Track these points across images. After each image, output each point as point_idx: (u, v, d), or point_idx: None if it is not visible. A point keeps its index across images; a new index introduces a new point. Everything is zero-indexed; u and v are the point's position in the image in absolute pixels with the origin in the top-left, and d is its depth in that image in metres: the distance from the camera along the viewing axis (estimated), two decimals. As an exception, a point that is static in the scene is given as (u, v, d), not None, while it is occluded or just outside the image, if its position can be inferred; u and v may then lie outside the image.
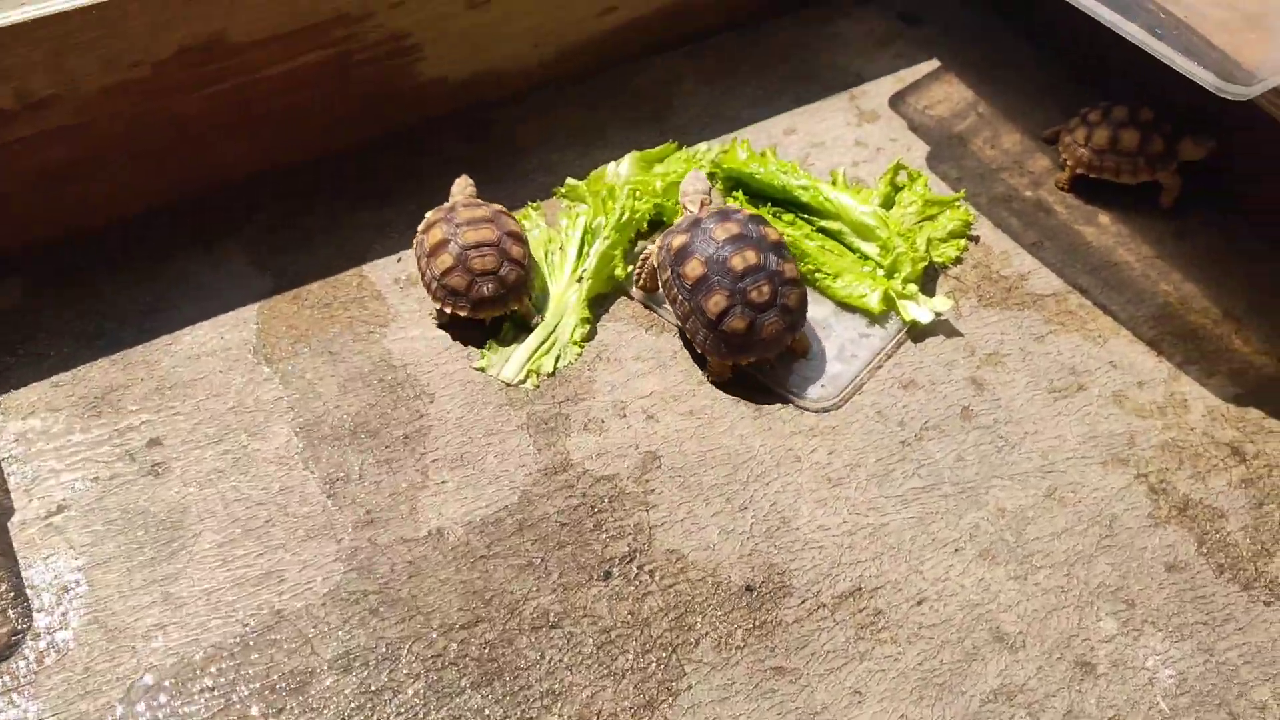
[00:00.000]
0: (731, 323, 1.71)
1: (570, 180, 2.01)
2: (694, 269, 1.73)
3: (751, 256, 1.73)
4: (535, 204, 1.99)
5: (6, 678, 1.44)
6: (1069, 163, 2.02)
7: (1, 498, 1.60)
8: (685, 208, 1.87)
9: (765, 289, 1.71)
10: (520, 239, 1.82)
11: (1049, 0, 1.70)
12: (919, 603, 1.55)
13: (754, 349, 1.73)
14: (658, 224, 1.96)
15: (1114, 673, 1.49)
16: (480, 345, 1.80)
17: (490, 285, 1.76)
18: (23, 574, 1.53)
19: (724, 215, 1.79)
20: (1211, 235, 1.99)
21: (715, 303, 1.71)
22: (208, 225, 1.95)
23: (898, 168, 2.02)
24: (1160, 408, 1.76)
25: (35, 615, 1.49)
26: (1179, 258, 1.96)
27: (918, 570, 1.58)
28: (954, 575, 1.58)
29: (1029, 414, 1.75)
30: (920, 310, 1.84)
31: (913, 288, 1.86)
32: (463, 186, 1.91)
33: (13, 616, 1.49)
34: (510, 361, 1.78)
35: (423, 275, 1.81)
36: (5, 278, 1.86)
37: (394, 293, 1.87)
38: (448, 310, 1.78)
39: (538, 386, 1.76)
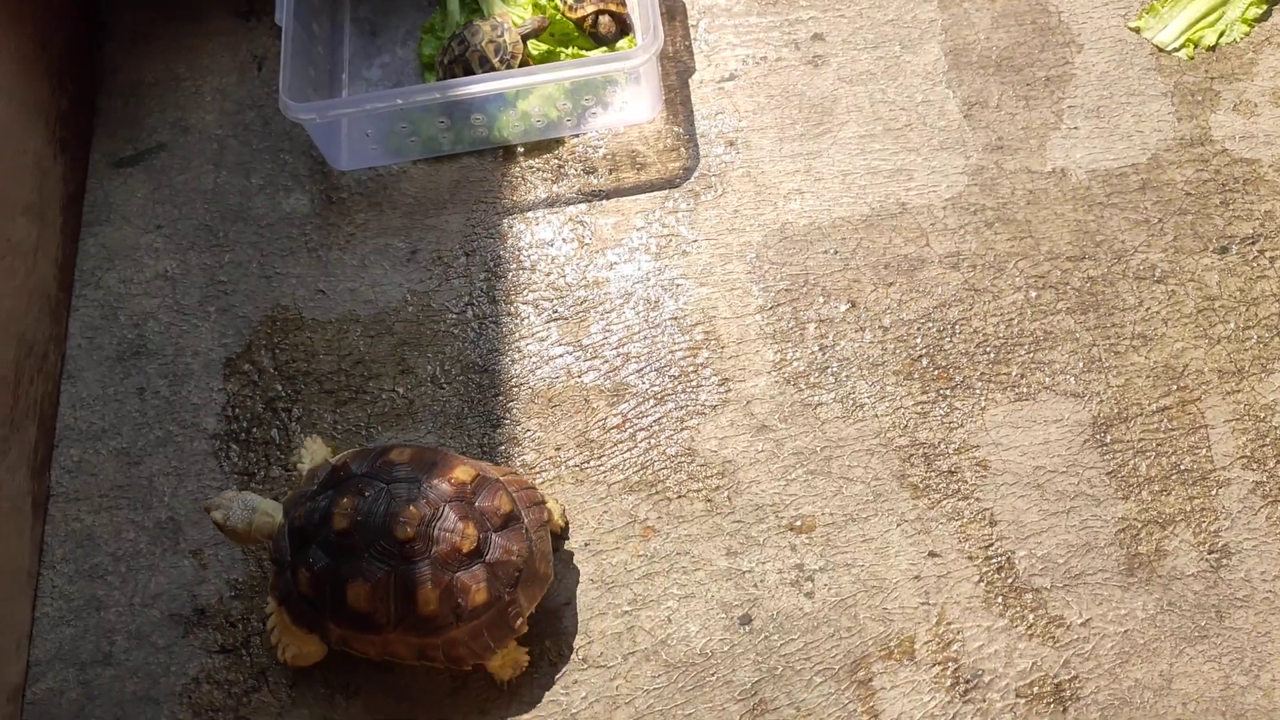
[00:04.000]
0: None
1: None
2: None
3: None
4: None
5: (675, 202, 1.73)
6: None
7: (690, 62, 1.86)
8: None
9: None
10: None
11: None
12: None
13: None
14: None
15: None
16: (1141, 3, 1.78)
17: None
18: (696, 123, 1.80)
19: None
20: None
21: None
22: None
23: None
24: None
25: (701, 159, 1.76)
26: None
27: None
28: None
29: None
30: None
31: None
32: None
33: (684, 154, 1.77)
34: (1169, 27, 1.74)
35: None
36: None
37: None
38: None
39: (1192, 58, 1.72)
